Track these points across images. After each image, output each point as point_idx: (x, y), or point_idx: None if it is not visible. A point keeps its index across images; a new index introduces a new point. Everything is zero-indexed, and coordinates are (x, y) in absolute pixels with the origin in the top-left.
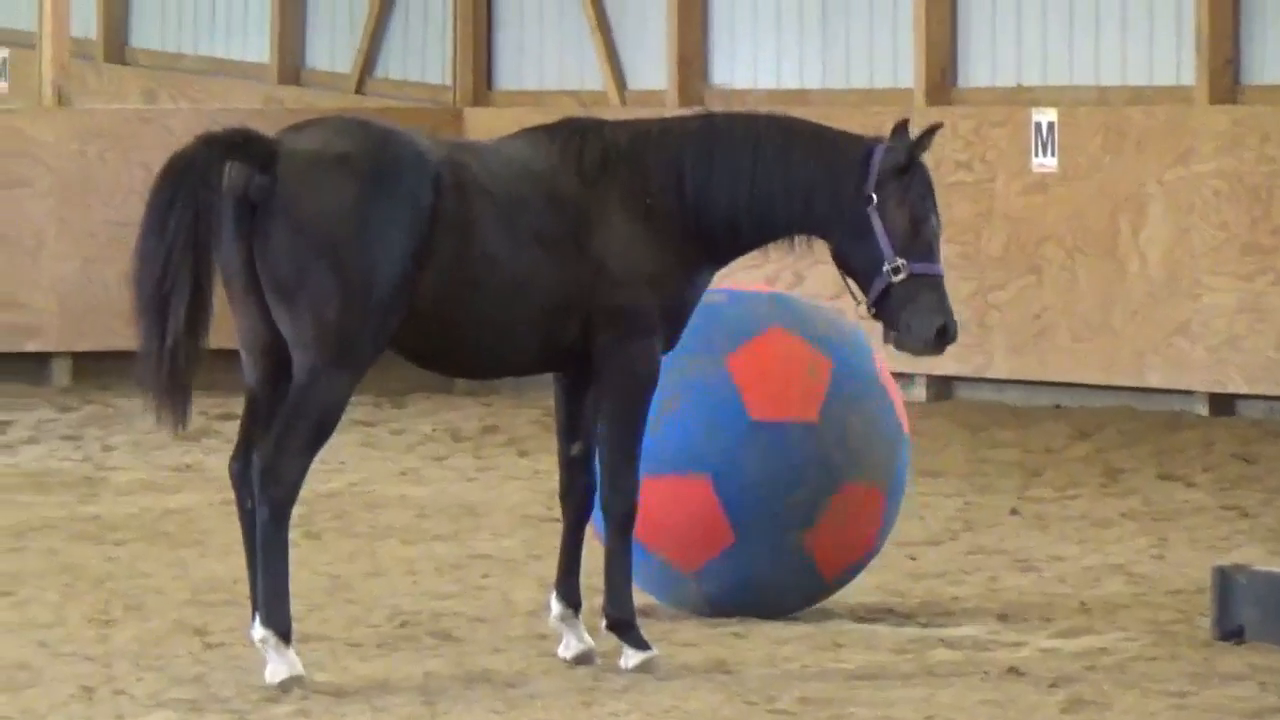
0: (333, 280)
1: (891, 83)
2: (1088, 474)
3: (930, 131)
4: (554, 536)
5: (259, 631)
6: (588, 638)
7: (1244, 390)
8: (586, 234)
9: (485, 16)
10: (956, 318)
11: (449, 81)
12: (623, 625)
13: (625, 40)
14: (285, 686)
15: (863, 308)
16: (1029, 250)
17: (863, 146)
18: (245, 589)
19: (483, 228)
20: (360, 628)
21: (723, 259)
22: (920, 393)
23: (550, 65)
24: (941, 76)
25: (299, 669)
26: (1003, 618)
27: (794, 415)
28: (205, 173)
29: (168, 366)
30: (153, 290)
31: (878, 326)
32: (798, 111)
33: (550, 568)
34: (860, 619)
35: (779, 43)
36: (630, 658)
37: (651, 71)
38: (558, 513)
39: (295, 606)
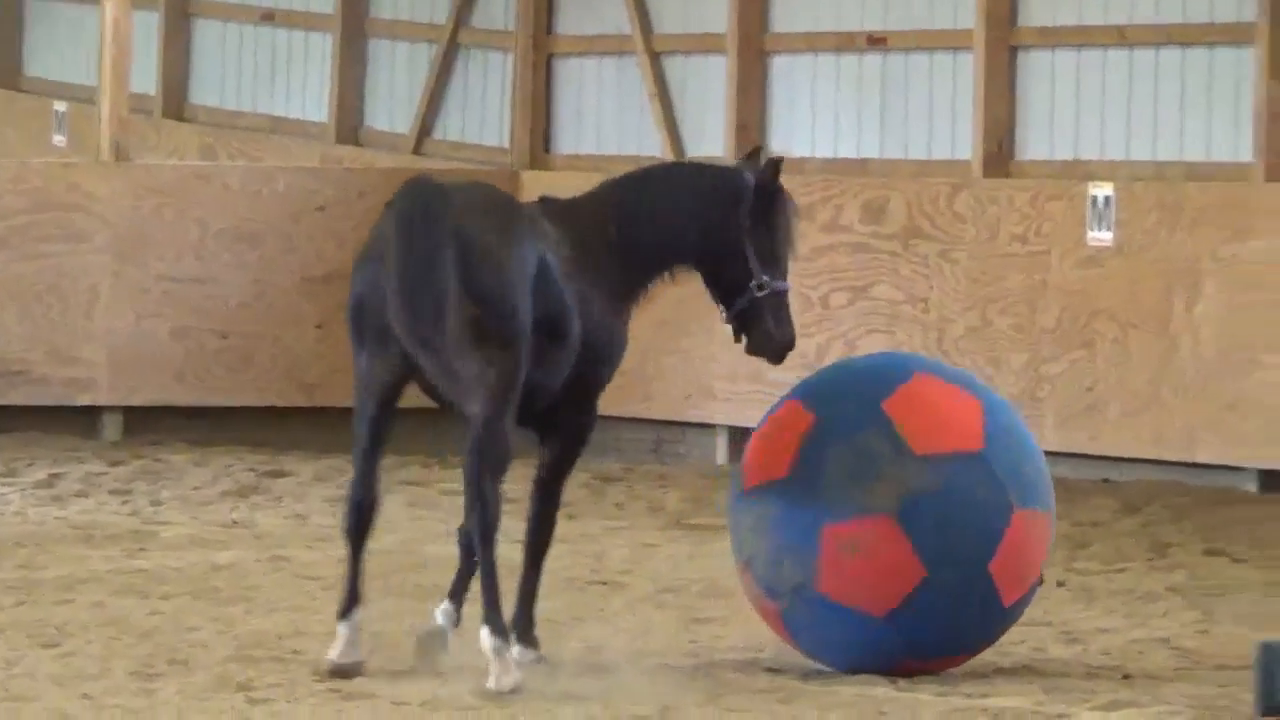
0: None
1: (949, 154)
2: (1135, 548)
3: (778, 161)
4: (600, 599)
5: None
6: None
7: None
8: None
9: (544, 80)
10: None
11: (507, 144)
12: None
13: (684, 106)
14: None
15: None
16: (1082, 324)
17: (736, 178)
18: (292, 644)
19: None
20: (404, 684)
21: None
22: None
23: (609, 130)
24: (999, 149)
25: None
26: (1047, 689)
27: (957, 447)
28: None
29: None
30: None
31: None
32: (857, 182)
33: (594, 630)
34: (904, 689)
35: (837, 112)
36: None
37: (710, 138)
38: (603, 575)
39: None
